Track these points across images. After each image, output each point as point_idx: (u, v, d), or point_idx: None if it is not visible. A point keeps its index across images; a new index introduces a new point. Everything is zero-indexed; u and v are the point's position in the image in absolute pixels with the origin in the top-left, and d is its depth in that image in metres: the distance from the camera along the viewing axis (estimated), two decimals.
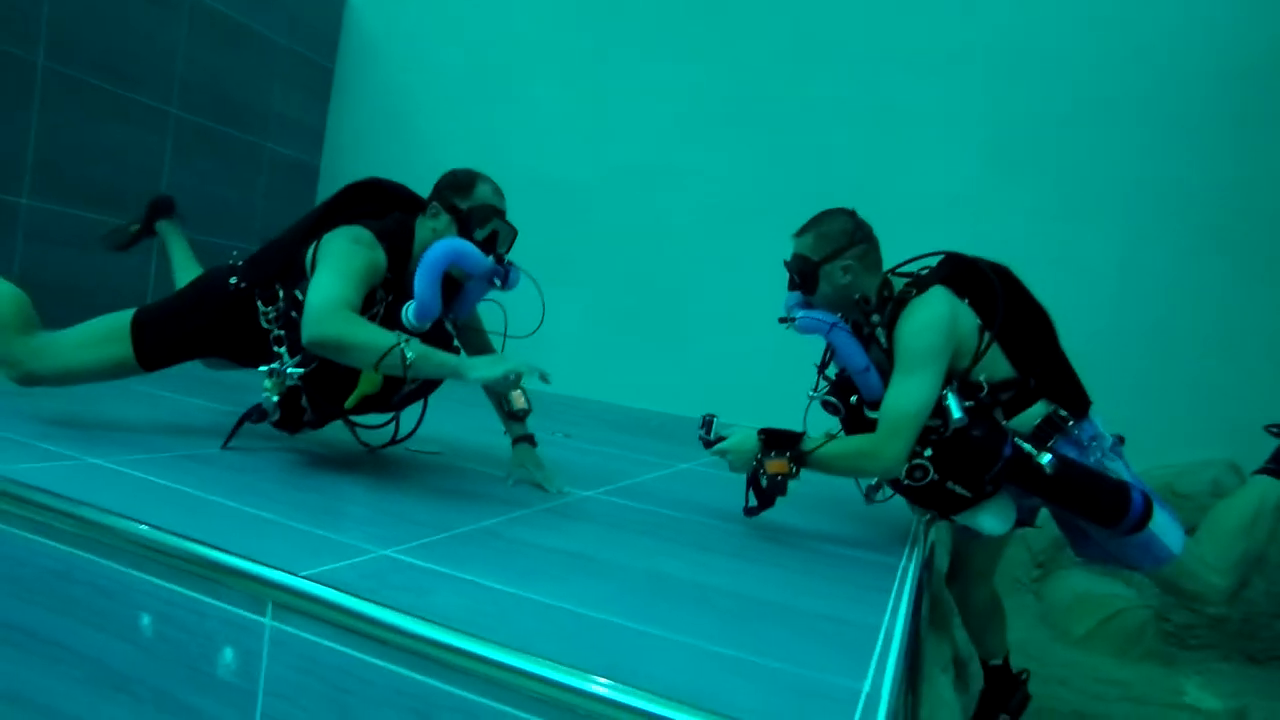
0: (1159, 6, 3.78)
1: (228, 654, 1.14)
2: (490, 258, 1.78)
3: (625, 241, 4.81)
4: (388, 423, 2.04)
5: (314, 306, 1.59)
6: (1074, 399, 1.87)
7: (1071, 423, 1.83)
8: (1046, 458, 1.71)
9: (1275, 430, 2.02)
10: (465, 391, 4.16)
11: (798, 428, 1.82)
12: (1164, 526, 1.85)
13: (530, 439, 2.12)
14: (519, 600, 1.19)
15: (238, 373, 2.18)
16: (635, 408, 4.57)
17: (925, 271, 1.91)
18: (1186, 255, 3.72)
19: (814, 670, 1.08)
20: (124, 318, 1.93)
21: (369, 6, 5.59)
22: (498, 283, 1.82)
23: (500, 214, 1.87)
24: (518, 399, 2.09)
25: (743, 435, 1.80)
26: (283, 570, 1.12)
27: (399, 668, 1.03)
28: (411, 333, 1.67)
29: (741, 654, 1.09)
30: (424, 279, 1.69)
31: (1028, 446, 1.73)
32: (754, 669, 1.05)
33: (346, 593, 1.08)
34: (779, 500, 1.82)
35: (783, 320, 1.92)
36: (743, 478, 1.88)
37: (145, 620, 1.21)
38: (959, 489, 1.79)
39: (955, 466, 1.75)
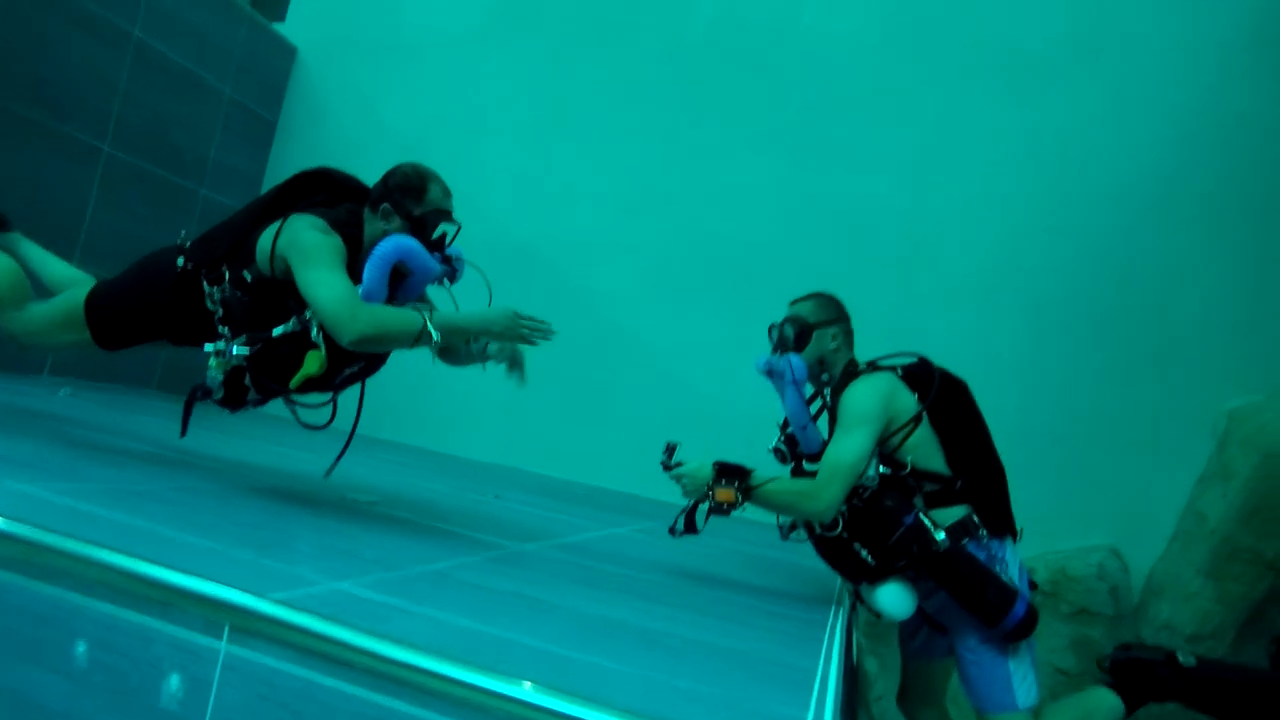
0: (1052, 127, 4.28)
1: (173, 682, 1.11)
2: (439, 261, 1.89)
3: (559, 310, 4.90)
4: (325, 403, 2.04)
5: (338, 307, 1.69)
6: (998, 517, 1.99)
7: (984, 533, 1.94)
8: (941, 535, 1.85)
9: (1107, 668, 2.09)
10: (396, 452, 4.08)
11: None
12: (1026, 677, 1.96)
13: None
14: (477, 634, 1.21)
15: (160, 416, 2.14)
16: (561, 479, 4.58)
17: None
18: (1079, 352, 4.10)
19: (761, 702, 1.14)
20: (80, 300, 1.99)
21: (319, 63, 5.69)
22: (446, 282, 1.93)
23: (449, 215, 1.96)
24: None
25: (699, 463, 1.97)
26: (245, 591, 1.12)
27: (362, 690, 1.03)
28: None
29: (694, 685, 1.15)
30: (374, 270, 1.78)
31: (928, 521, 1.87)
32: (707, 697, 1.11)
33: (313, 614, 1.08)
34: (710, 548, 1.92)
35: (770, 373, 2.07)
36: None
37: (81, 649, 1.17)
38: (864, 553, 1.90)
39: (862, 527, 1.88)
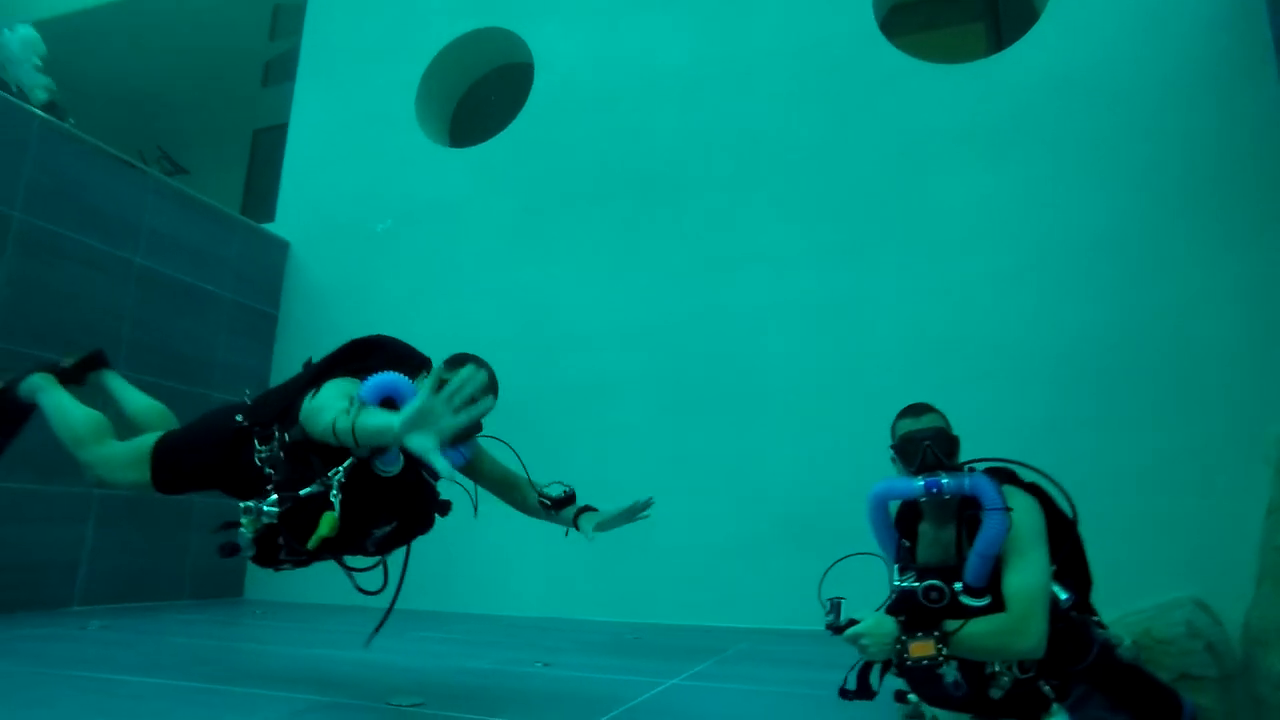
0: (1049, 196, 4.37)
1: None
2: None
3: (576, 453, 4.87)
4: (374, 565, 2.08)
5: (333, 408, 1.77)
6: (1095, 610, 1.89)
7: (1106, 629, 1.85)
8: (1128, 640, 1.71)
9: None
10: (435, 625, 3.93)
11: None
12: None
13: (588, 508, 2.36)
14: None
15: (192, 634, 2.08)
16: (606, 621, 4.40)
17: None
18: (1112, 403, 4.01)
19: None
20: (149, 445, 2.12)
21: (311, 251, 5.92)
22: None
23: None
24: (554, 489, 2.34)
25: (878, 618, 1.70)
26: None
27: None
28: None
29: None
30: (366, 393, 1.83)
31: (1103, 634, 1.73)
32: None
33: None
34: (776, 685, 1.76)
35: (933, 492, 1.78)
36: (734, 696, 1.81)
37: None
38: (1045, 687, 1.70)
39: (1052, 654, 1.67)
